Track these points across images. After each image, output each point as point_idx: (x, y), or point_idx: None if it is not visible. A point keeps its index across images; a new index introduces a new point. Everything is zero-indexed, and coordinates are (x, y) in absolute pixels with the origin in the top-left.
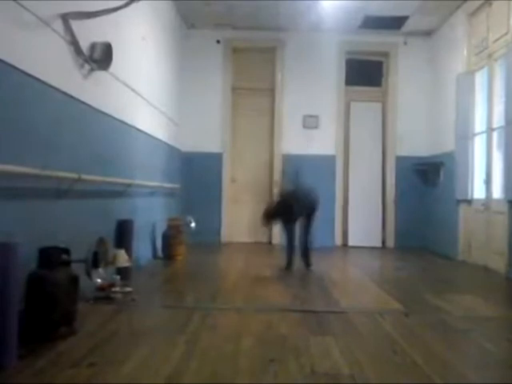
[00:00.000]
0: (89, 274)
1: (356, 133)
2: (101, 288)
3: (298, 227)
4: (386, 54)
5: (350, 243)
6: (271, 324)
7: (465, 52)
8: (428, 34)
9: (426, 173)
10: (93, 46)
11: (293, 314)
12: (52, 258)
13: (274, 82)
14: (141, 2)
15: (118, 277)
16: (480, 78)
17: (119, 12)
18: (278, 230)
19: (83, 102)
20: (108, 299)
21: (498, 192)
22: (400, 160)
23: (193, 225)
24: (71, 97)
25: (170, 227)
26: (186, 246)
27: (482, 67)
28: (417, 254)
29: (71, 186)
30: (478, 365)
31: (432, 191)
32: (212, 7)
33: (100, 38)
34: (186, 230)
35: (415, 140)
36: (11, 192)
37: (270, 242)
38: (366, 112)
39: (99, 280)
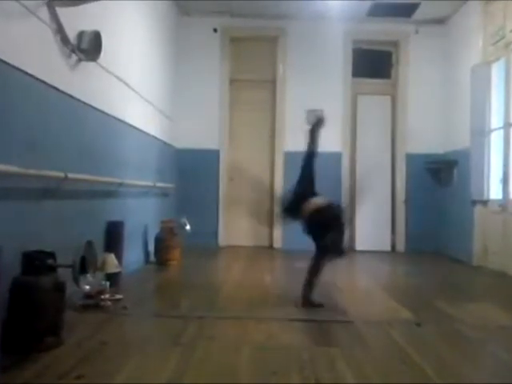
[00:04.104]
0: (76, 281)
1: (363, 128)
2: (89, 295)
3: None
4: (395, 44)
5: (358, 247)
6: (273, 334)
7: (480, 42)
8: (441, 22)
9: (439, 171)
10: (80, 35)
11: (296, 324)
12: (37, 262)
13: (276, 73)
14: None
15: (108, 283)
16: (497, 70)
17: None
18: (279, 233)
19: (70, 96)
20: (97, 307)
21: None
22: (411, 158)
23: (188, 227)
24: (57, 90)
25: (163, 230)
26: (181, 249)
27: (498, 58)
28: (429, 259)
29: (57, 186)
30: (492, 375)
31: (445, 191)
32: None
33: (88, 27)
34: (180, 233)
35: (427, 136)
36: None
37: (271, 246)
38: (374, 106)
39: (87, 287)
